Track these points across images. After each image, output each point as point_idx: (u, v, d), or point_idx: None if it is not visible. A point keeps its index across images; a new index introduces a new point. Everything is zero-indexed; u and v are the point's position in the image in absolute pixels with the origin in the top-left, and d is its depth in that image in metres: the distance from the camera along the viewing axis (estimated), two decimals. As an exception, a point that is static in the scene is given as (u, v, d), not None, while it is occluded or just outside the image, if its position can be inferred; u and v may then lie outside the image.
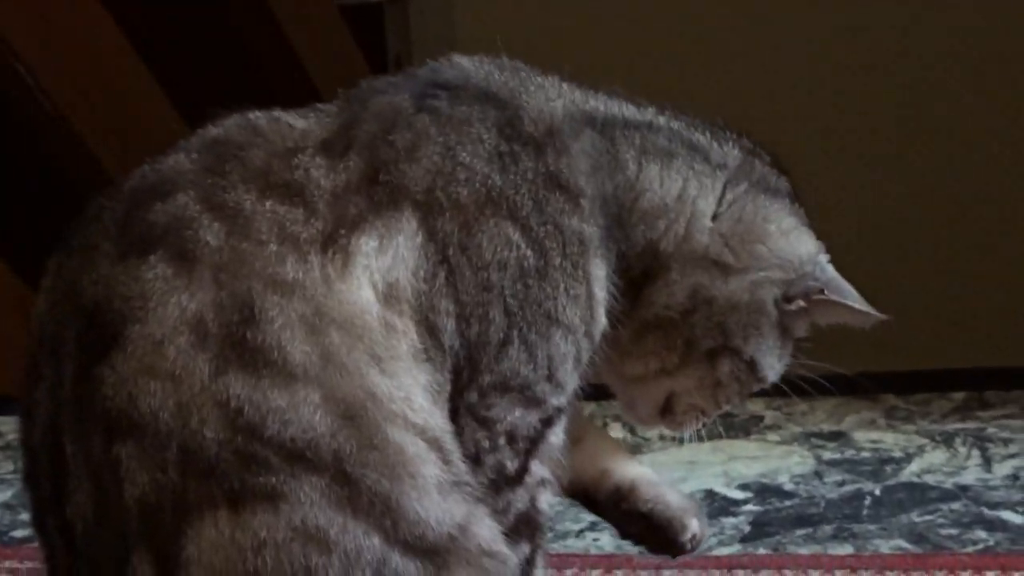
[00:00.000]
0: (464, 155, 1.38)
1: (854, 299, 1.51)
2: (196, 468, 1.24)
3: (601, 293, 1.42)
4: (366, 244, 1.32)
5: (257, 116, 1.40)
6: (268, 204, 1.31)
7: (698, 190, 1.48)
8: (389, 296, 1.32)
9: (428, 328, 1.34)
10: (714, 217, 1.49)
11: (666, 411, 1.56)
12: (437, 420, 1.33)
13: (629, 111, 1.50)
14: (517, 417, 1.38)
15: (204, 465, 1.24)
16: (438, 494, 1.30)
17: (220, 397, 1.25)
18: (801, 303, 1.50)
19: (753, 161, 1.52)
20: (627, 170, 1.45)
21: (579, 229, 1.40)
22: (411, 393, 1.31)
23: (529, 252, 1.37)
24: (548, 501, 1.45)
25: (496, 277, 1.36)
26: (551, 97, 1.46)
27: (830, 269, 1.52)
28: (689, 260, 1.47)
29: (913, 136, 2.90)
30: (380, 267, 1.32)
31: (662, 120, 1.50)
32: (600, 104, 1.48)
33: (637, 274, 1.47)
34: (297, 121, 1.40)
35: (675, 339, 1.49)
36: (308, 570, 1.24)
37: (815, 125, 2.92)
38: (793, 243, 1.51)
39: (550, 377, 1.39)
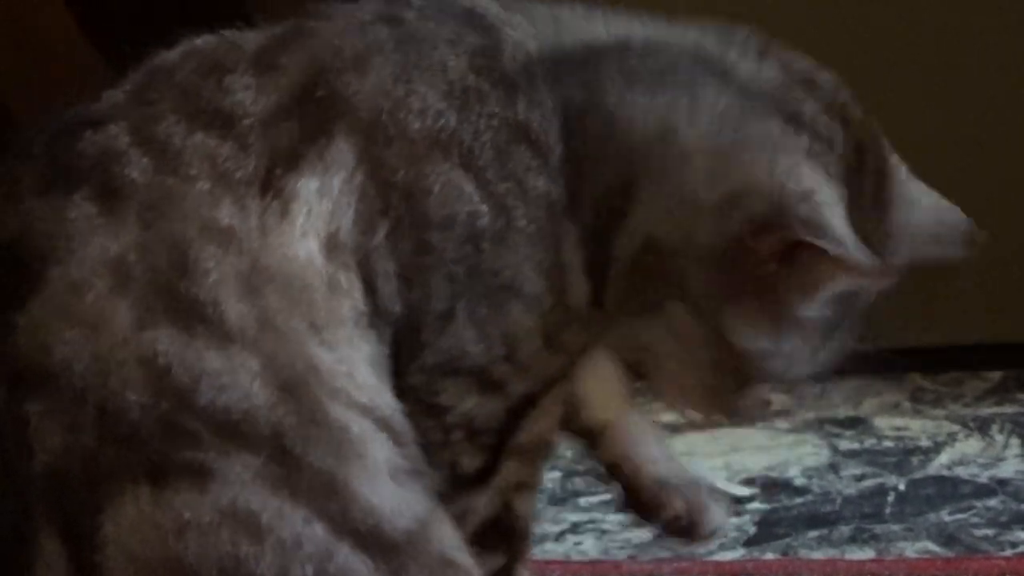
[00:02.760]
0: (419, 82, 1.30)
1: (844, 247, 1.28)
2: (116, 434, 1.18)
3: (575, 258, 1.33)
4: (305, 187, 1.26)
5: (206, 38, 1.34)
6: (198, 136, 1.26)
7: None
8: (332, 247, 1.27)
9: (369, 289, 1.28)
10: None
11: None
12: (385, 398, 1.27)
13: (617, 29, 1.39)
14: (473, 406, 1.31)
15: (125, 431, 1.18)
16: (392, 481, 1.24)
17: (145, 352, 1.19)
18: (771, 241, 1.30)
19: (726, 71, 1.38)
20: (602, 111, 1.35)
21: (546, 191, 1.31)
22: (354, 368, 1.25)
23: (485, 209, 1.29)
24: (527, 507, 1.39)
25: (437, 239, 1.28)
26: (535, 32, 1.36)
27: (822, 211, 1.31)
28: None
29: (945, 76, 2.78)
30: (321, 213, 1.27)
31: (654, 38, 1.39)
32: (595, 30, 1.38)
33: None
34: (242, 37, 1.34)
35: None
36: (236, 559, 1.17)
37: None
38: (761, 168, 1.33)
39: (510, 357, 1.31)
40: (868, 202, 1.36)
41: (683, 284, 1.32)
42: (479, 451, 1.33)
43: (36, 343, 1.21)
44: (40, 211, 1.25)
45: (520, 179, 1.30)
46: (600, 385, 1.50)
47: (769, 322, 1.33)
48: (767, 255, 1.30)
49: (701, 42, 1.37)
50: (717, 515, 1.52)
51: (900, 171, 1.41)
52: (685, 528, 1.50)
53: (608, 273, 1.34)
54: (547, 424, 1.38)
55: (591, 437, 1.50)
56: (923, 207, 1.42)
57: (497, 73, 1.32)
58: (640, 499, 1.51)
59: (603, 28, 1.38)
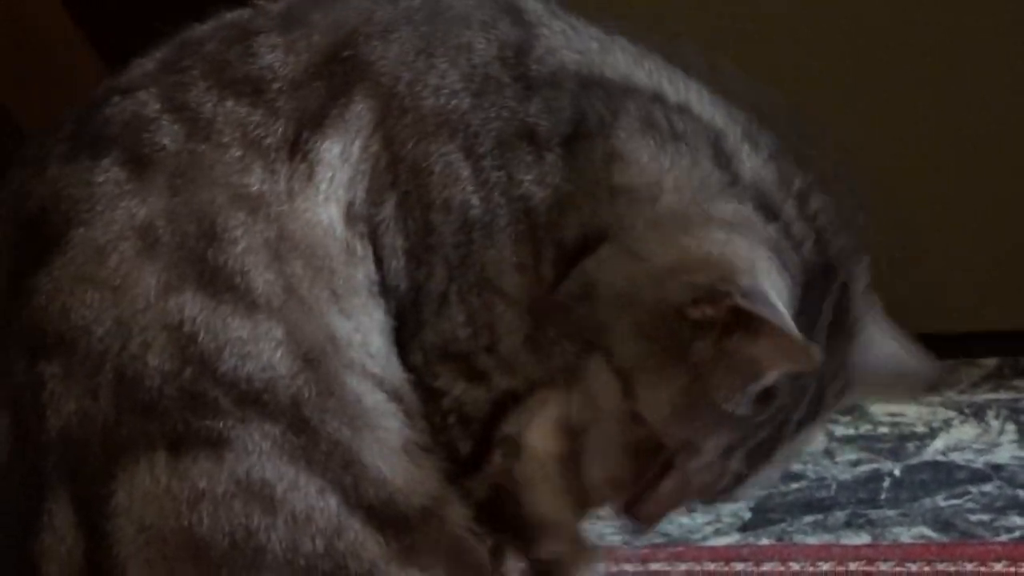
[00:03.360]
0: (442, 58, 1.30)
1: (782, 320, 1.21)
2: (135, 400, 1.19)
3: (549, 270, 1.31)
4: (329, 151, 1.27)
5: (237, 11, 1.35)
6: (229, 104, 1.26)
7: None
8: (350, 215, 1.27)
9: (377, 260, 1.28)
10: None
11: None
12: (395, 368, 1.27)
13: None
14: (462, 391, 1.30)
15: (144, 398, 1.18)
16: (406, 454, 1.24)
17: (171, 319, 1.20)
18: (707, 310, 1.25)
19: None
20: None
21: (529, 193, 1.30)
22: (368, 337, 1.26)
23: (476, 200, 1.29)
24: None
25: (439, 220, 1.28)
26: (574, 46, 1.35)
27: (764, 288, 1.25)
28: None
29: (929, 78, 2.79)
30: (343, 180, 1.27)
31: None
32: (638, 72, 1.36)
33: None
34: (270, 5, 1.35)
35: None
36: (248, 531, 1.18)
37: (828, 60, 2.82)
38: (716, 243, 1.29)
39: (491, 349, 1.30)
40: (825, 320, 1.31)
41: (611, 340, 1.28)
42: (470, 437, 1.32)
43: (56, 305, 1.21)
44: (66, 177, 1.25)
45: (511, 173, 1.29)
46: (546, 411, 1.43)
47: (687, 404, 1.27)
48: (701, 326, 1.25)
49: (723, 126, 1.34)
50: None
51: (869, 310, 1.35)
52: None
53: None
54: (530, 424, 1.34)
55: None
56: (884, 351, 1.37)
57: (521, 69, 1.31)
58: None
59: (646, 74, 1.36)
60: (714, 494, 1.33)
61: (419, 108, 1.29)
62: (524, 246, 1.30)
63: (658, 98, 1.34)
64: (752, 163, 1.33)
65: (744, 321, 1.22)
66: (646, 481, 1.30)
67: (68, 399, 1.19)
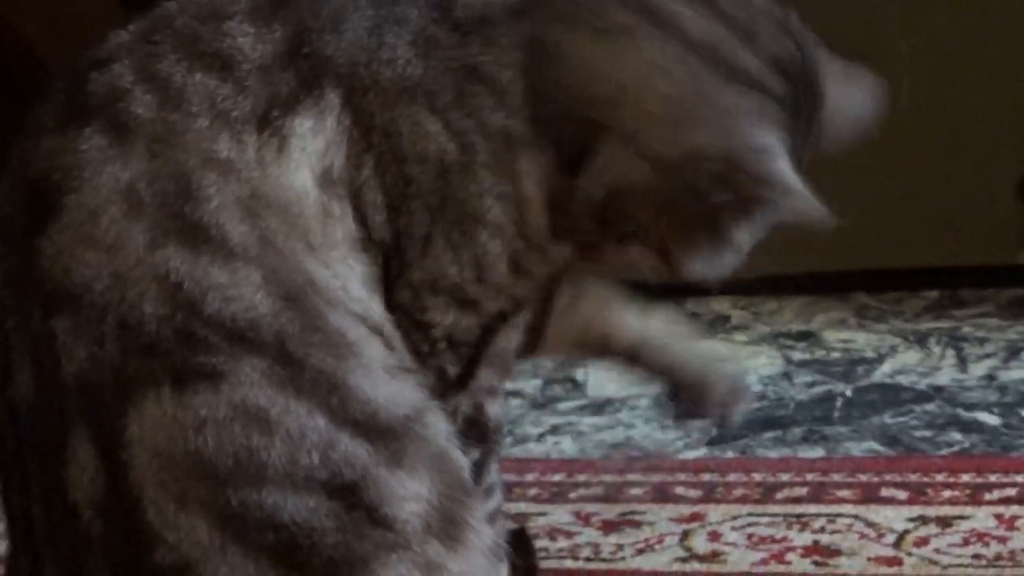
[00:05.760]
0: (389, 35, 1.36)
1: (797, 189, 1.29)
2: (137, 344, 1.24)
3: (537, 193, 1.36)
4: (300, 125, 1.32)
5: None
6: (198, 76, 1.31)
7: None
8: (326, 181, 1.32)
9: (360, 219, 1.34)
10: None
11: None
12: (376, 310, 1.33)
13: None
14: (452, 321, 1.37)
15: (145, 341, 1.24)
16: (386, 374, 1.30)
17: (158, 270, 1.25)
18: (726, 194, 1.34)
19: None
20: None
21: (504, 126, 1.35)
22: (348, 283, 1.31)
23: (451, 145, 1.34)
24: (496, 409, 1.45)
25: (415, 171, 1.34)
26: None
27: (773, 165, 1.31)
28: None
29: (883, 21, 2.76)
30: (316, 150, 1.32)
31: None
32: None
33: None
34: None
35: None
36: (249, 450, 1.23)
37: None
38: (717, 128, 1.35)
39: (480, 279, 1.37)
40: (803, 123, 1.37)
41: (640, 229, 1.36)
42: (460, 359, 1.40)
43: (59, 266, 1.27)
44: (57, 147, 1.30)
45: (479, 117, 1.35)
46: (614, 312, 1.56)
47: (712, 251, 1.37)
48: (726, 206, 1.33)
49: None
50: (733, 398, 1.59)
51: (826, 70, 1.41)
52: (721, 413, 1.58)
53: (571, 211, 1.37)
54: (515, 338, 1.43)
55: (630, 357, 1.55)
56: (842, 103, 1.42)
57: (451, 21, 1.36)
58: (690, 393, 1.55)
59: None
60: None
61: (379, 83, 1.34)
62: (503, 176, 1.34)
63: None
64: (691, 16, 1.35)
65: (761, 196, 1.31)
66: None
67: (78, 348, 1.25)
